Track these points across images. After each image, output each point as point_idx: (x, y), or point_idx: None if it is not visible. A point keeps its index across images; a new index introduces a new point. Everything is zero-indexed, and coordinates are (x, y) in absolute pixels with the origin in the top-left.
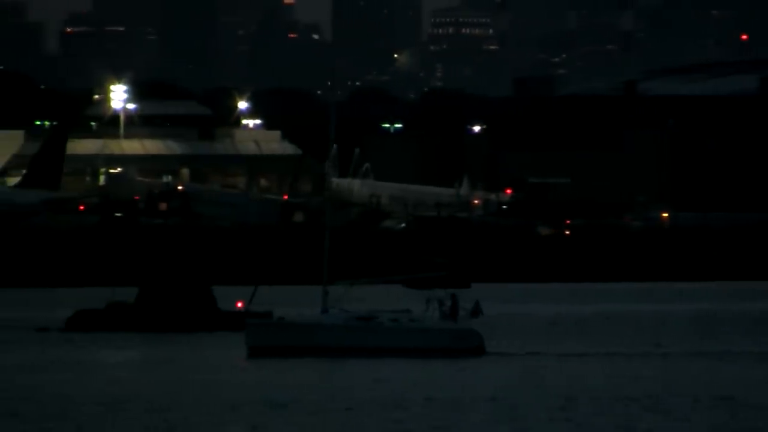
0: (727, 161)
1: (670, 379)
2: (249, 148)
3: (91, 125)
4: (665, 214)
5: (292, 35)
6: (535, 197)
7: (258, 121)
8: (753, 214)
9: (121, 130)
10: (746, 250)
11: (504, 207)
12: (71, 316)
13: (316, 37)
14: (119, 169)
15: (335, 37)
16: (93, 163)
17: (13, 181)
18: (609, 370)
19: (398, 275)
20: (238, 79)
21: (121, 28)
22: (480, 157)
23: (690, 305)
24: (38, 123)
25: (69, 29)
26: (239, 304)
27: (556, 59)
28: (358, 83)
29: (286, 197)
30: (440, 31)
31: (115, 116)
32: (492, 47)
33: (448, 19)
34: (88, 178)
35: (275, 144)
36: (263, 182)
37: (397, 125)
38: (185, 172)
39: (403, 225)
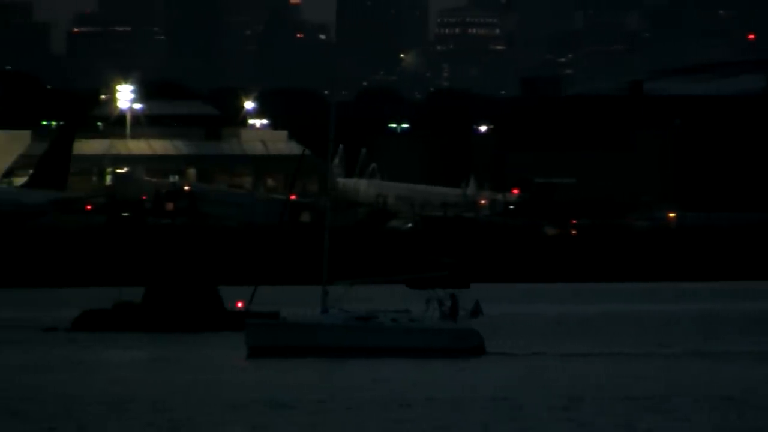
0: (733, 161)
1: (673, 379)
2: (256, 148)
3: (98, 125)
4: (671, 214)
5: (299, 35)
6: (541, 197)
7: (265, 121)
8: (759, 213)
9: (128, 130)
10: (752, 250)
11: (511, 207)
12: (78, 316)
13: (322, 37)
14: (126, 169)
15: (342, 37)
16: (100, 163)
17: (19, 181)
18: (611, 370)
19: (398, 275)
20: (245, 79)
21: (128, 28)
22: (486, 157)
23: (694, 305)
24: (45, 123)
25: (75, 29)
26: (239, 304)
27: (563, 59)
28: (364, 83)
29: (293, 197)
30: (447, 31)
31: (121, 116)
32: (499, 47)
33: (454, 19)
34: (94, 178)
35: (282, 144)
36: (270, 182)
37: (403, 125)
38: (192, 172)
39: (410, 225)
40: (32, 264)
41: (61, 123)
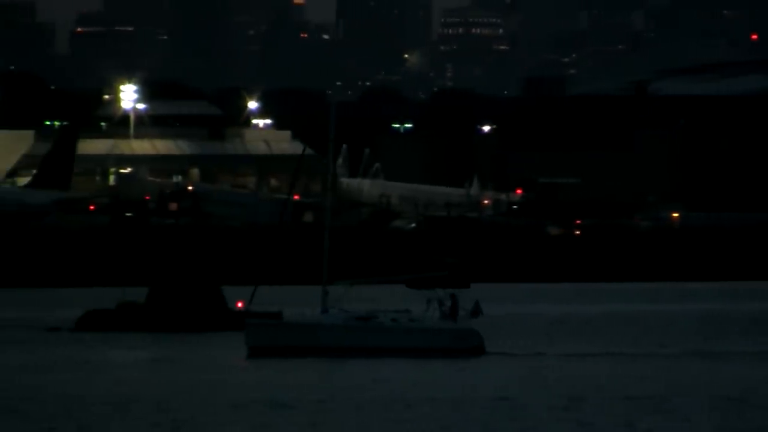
0: (738, 161)
1: (673, 379)
2: (259, 148)
3: (102, 125)
4: (676, 214)
5: (302, 35)
6: (545, 197)
7: (268, 121)
8: (763, 213)
9: (131, 130)
10: (756, 250)
11: (514, 207)
12: (81, 316)
13: (326, 37)
14: (129, 169)
15: (346, 36)
16: (103, 163)
17: (23, 181)
18: (611, 370)
19: (398, 275)
20: (248, 79)
21: (131, 28)
22: (490, 157)
23: (697, 305)
24: (48, 123)
25: (79, 29)
26: (239, 304)
27: (566, 59)
28: (368, 83)
29: (297, 197)
30: (450, 31)
31: (125, 116)
32: (502, 47)
33: (458, 19)
34: (98, 178)
35: (285, 144)
36: (273, 182)
37: (407, 125)
38: (195, 172)
39: (413, 225)
40: (36, 264)
41: (64, 123)
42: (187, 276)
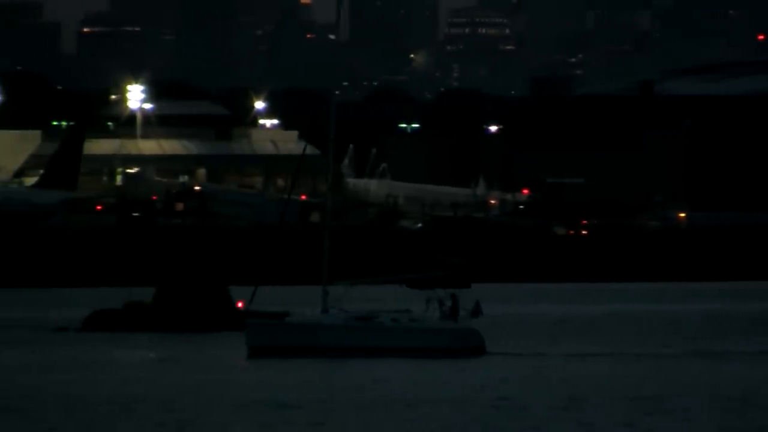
0: (743, 161)
1: (674, 379)
2: (266, 148)
3: (108, 125)
4: (682, 214)
5: (309, 35)
6: (551, 197)
7: (275, 121)
8: None
9: (138, 130)
10: (763, 250)
11: (520, 207)
12: (88, 316)
13: (332, 37)
14: (136, 169)
15: (352, 37)
16: (110, 163)
17: (30, 181)
18: (612, 370)
19: (398, 275)
20: (255, 79)
21: (138, 28)
22: (496, 157)
23: (702, 305)
24: (55, 123)
25: (85, 29)
26: (240, 304)
27: (573, 59)
28: (374, 83)
29: (303, 197)
30: (457, 31)
31: (131, 116)
32: (508, 47)
33: (464, 19)
34: (105, 178)
35: (292, 144)
36: (280, 182)
37: (413, 125)
38: (202, 172)
39: (420, 225)
40: (43, 264)
41: (71, 123)
42: (194, 276)
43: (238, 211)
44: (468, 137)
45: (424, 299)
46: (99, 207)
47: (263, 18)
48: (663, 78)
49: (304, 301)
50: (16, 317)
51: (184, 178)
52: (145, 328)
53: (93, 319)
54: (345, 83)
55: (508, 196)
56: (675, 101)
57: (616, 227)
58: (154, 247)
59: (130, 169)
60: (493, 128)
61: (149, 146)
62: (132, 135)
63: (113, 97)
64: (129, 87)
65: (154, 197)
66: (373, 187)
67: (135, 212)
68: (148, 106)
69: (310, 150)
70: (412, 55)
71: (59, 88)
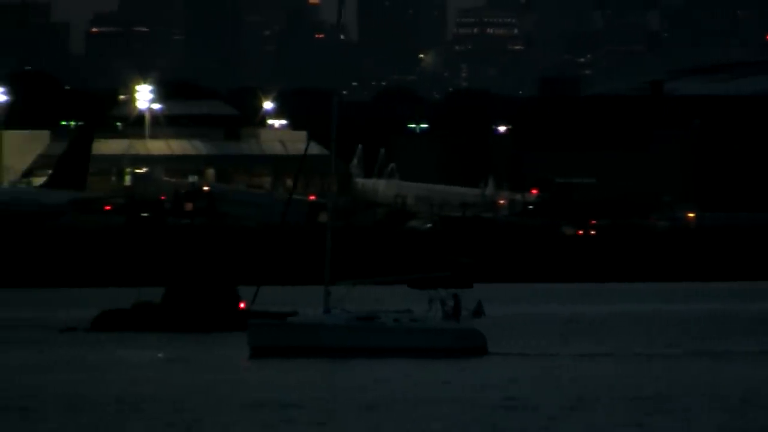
0: (753, 161)
1: (678, 379)
2: (274, 148)
3: (117, 125)
4: (691, 214)
5: (318, 35)
6: (560, 197)
7: (284, 121)
8: None
9: (147, 130)
10: None
11: (529, 207)
12: (97, 316)
13: (342, 37)
14: (145, 169)
15: (361, 37)
16: (119, 163)
17: (39, 181)
18: (616, 370)
19: (400, 275)
20: (264, 79)
21: (147, 28)
22: (505, 157)
23: (710, 305)
24: (64, 123)
25: (94, 29)
26: (242, 305)
27: (582, 59)
28: (383, 83)
29: (312, 197)
30: (465, 31)
31: (140, 116)
32: (517, 47)
33: (473, 19)
34: (113, 179)
35: (301, 144)
36: (289, 182)
37: (422, 125)
38: (211, 172)
39: (429, 225)
40: (51, 264)
41: (79, 123)
42: (203, 276)
43: (246, 211)
44: (477, 137)
45: (427, 299)
46: (108, 207)
47: (272, 18)
48: (672, 78)
49: (308, 302)
50: (24, 317)
51: (192, 179)
52: (154, 328)
53: (102, 320)
54: (354, 83)
55: (517, 196)
56: (684, 101)
57: (625, 227)
58: (162, 248)
59: (139, 169)
60: (502, 128)
61: (158, 146)
62: (141, 135)
63: (122, 97)
64: (138, 87)
65: (163, 197)
66: (382, 187)
67: (144, 212)
68: (156, 106)
69: (319, 150)
70: (420, 55)
71: (67, 88)
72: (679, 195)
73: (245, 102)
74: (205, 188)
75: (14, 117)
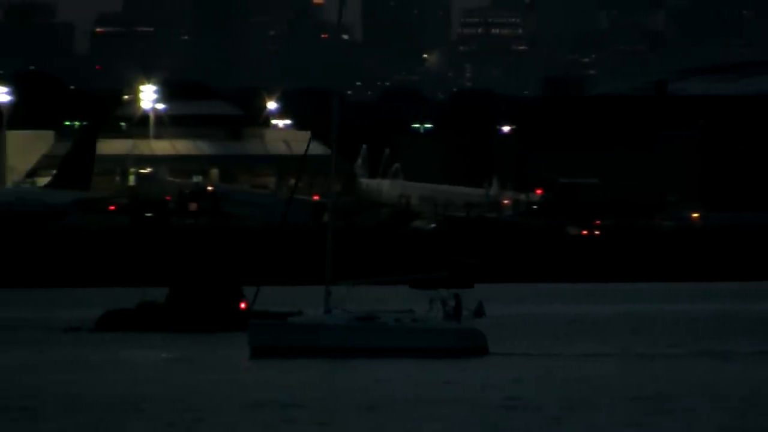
0: (757, 161)
1: (679, 379)
2: (279, 148)
3: (121, 125)
4: (696, 214)
5: (322, 35)
6: (565, 197)
7: (288, 121)
8: None
9: (151, 131)
10: None
11: (534, 207)
12: (102, 317)
13: (346, 37)
14: (149, 169)
15: (365, 37)
16: (123, 163)
17: (43, 181)
18: (615, 370)
19: (401, 275)
20: (268, 79)
21: (151, 29)
22: (509, 157)
23: (715, 305)
24: (68, 123)
25: (98, 29)
26: (243, 305)
27: (586, 59)
28: (387, 83)
29: (316, 197)
30: (470, 31)
31: (144, 116)
32: (521, 47)
33: (477, 20)
34: (118, 179)
35: (305, 144)
36: (293, 182)
37: (426, 125)
38: (215, 172)
39: (433, 225)
40: (56, 264)
41: (84, 123)
42: (207, 276)
43: (250, 211)
44: (481, 137)
45: (427, 299)
46: (112, 207)
47: (276, 18)
48: (676, 78)
49: (309, 302)
50: (29, 317)
51: (197, 179)
52: (158, 328)
53: (106, 320)
54: (358, 83)
55: (521, 197)
56: (689, 101)
57: (630, 227)
58: (166, 248)
59: (143, 169)
60: (506, 128)
61: (162, 146)
62: (145, 135)
63: (126, 97)
64: (142, 87)
65: (167, 197)
66: (386, 187)
67: (148, 212)
68: (160, 106)
69: (323, 150)
70: (425, 56)
71: (72, 88)
72: (683, 195)
73: (249, 102)
74: (209, 188)
75: (18, 117)
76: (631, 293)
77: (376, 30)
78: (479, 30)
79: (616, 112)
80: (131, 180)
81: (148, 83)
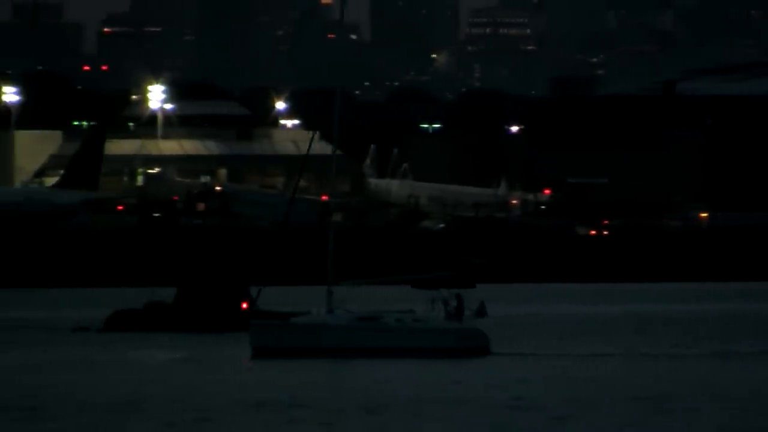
0: (765, 161)
1: (682, 379)
2: (287, 148)
3: (129, 126)
4: (703, 214)
5: (331, 36)
6: (573, 197)
7: (296, 121)
8: None
9: (159, 131)
10: None
11: (542, 207)
12: (110, 317)
13: (354, 37)
14: (157, 169)
15: (374, 37)
16: (131, 163)
17: (51, 181)
18: (615, 370)
19: (403, 275)
20: (276, 79)
21: (159, 29)
22: (518, 157)
23: (723, 305)
24: (76, 123)
25: (106, 30)
26: (244, 305)
27: (594, 59)
28: (396, 83)
29: (325, 197)
30: (478, 31)
31: (152, 116)
32: (529, 47)
33: (485, 20)
34: (126, 179)
35: (313, 144)
36: (302, 182)
37: (435, 125)
38: (223, 172)
39: (442, 225)
40: (64, 264)
41: (92, 123)
42: (215, 276)
43: (259, 211)
44: (490, 137)
45: (429, 299)
46: (120, 207)
47: (284, 18)
48: (685, 78)
49: (313, 302)
50: (37, 317)
51: (205, 179)
52: (166, 328)
53: (114, 320)
54: (367, 83)
55: (530, 197)
56: (697, 101)
57: (638, 227)
58: (175, 248)
59: (151, 169)
60: (515, 128)
61: (170, 146)
62: (153, 135)
63: (134, 97)
64: (150, 87)
65: (175, 197)
66: (395, 187)
67: (156, 212)
68: (168, 106)
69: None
70: (433, 56)
71: (80, 88)
72: (691, 195)
73: (257, 102)
74: (218, 188)
75: (26, 117)
76: (640, 293)
77: (385, 30)
78: (487, 30)
79: (625, 112)
80: (139, 180)
81: (156, 83)
